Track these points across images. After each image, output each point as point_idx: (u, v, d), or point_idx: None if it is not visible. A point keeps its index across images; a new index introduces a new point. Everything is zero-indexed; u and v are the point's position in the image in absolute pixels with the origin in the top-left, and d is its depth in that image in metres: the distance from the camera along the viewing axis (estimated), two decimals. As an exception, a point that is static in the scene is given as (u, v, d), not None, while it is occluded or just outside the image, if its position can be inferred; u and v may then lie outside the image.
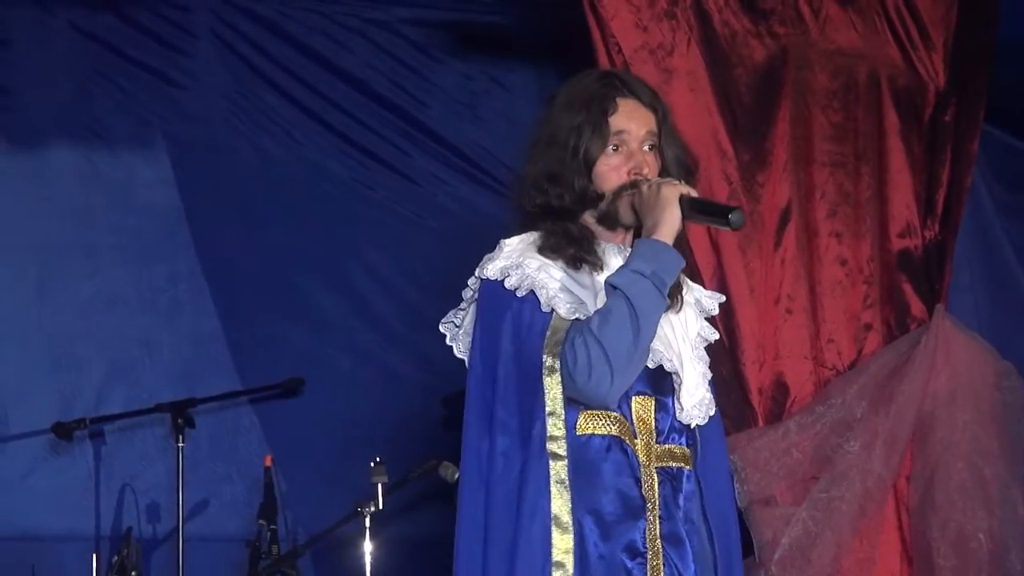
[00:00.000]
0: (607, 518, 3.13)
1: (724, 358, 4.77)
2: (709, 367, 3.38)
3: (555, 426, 3.10)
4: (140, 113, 5.84)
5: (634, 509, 3.15)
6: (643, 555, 3.14)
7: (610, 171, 3.23)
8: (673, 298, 3.29)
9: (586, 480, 3.13)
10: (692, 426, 3.28)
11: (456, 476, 5.20)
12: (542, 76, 6.15)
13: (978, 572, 4.92)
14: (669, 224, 3.14)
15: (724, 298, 3.48)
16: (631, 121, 3.25)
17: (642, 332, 3.08)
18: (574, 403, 3.13)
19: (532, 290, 3.15)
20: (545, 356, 3.11)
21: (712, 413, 3.32)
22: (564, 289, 3.17)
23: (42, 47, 5.76)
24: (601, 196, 3.23)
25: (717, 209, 3.22)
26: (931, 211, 5.18)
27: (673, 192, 3.15)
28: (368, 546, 5.03)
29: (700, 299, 3.41)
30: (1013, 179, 6.04)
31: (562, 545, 3.07)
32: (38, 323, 5.72)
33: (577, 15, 4.92)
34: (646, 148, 3.25)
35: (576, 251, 3.22)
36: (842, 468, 4.90)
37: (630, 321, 3.06)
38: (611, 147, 3.23)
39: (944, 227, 5.17)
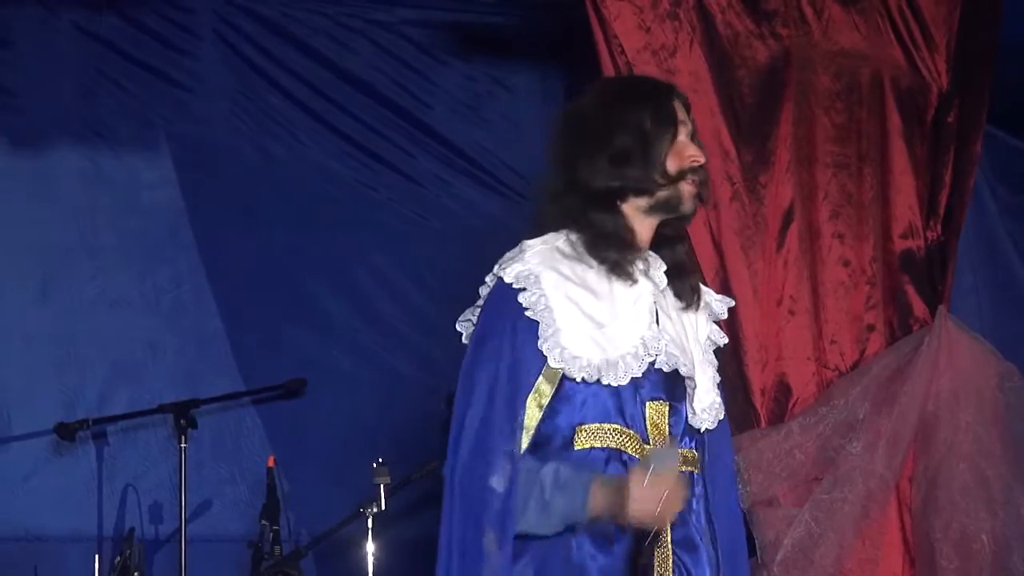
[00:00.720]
0: (606, 530, 3.11)
1: (727, 359, 4.74)
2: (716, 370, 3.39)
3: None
4: (143, 114, 5.84)
5: None
6: (649, 563, 3.13)
7: (675, 156, 3.22)
8: (689, 298, 3.31)
9: None
10: (702, 430, 3.28)
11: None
12: (545, 77, 6.16)
13: (980, 573, 4.91)
14: (613, 511, 3.10)
15: (733, 302, 3.48)
16: (686, 115, 3.29)
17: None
18: (569, 422, 3.15)
19: (537, 319, 3.15)
20: (520, 412, 3.13)
21: (721, 417, 3.31)
22: (570, 319, 3.15)
23: (45, 48, 5.76)
24: (668, 180, 3.22)
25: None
26: (934, 212, 5.18)
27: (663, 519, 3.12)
28: (371, 547, 5.03)
29: (710, 303, 3.41)
30: (1016, 181, 6.03)
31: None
32: (41, 324, 5.72)
33: (580, 16, 4.92)
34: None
35: (618, 256, 3.20)
36: (845, 469, 4.90)
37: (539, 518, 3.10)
38: (673, 136, 3.24)
39: (947, 228, 5.17)
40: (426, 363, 5.84)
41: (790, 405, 4.99)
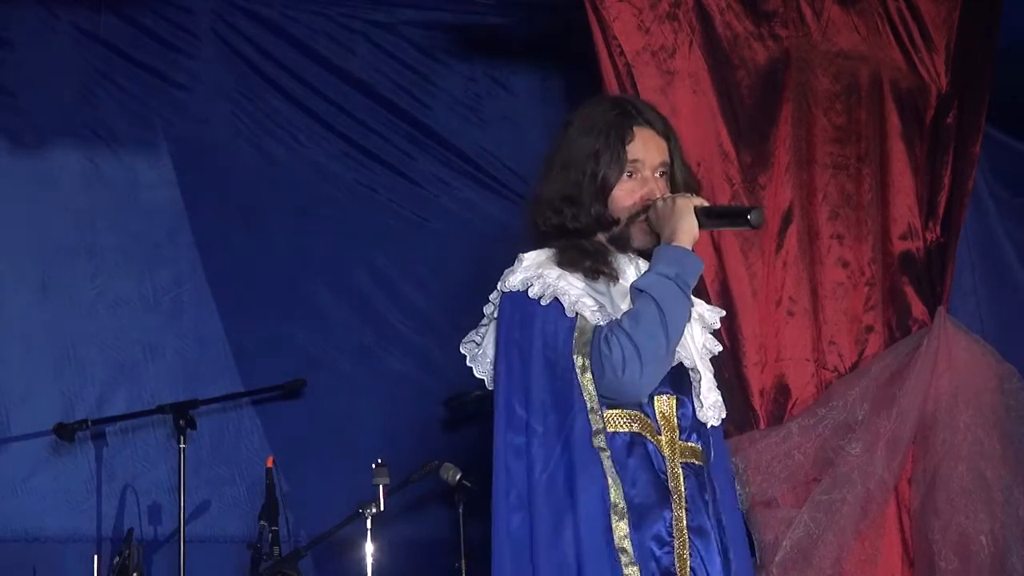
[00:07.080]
0: (637, 510, 3.24)
1: (726, 360, 4.76)
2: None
3: (596, 422, 3.23)
4: (142, 114, 5.85)
5: (659, 501, 3.27)
6: (670, 544, 3.26)
7: (624, 196, 3.40)
8: None
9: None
10: (708, 426, 3.42)
11: (457, 477, 5.22)
12: (545, 78, 6.16)
13: (979, 574, 4.91)
14: (686, 232, 3.31)
15: (724, 312, 3.64)
16: (646, 150, 3.42)
17: (671, 331, 3.24)
18: (603, 401, 3.25)
19: (556, 297, 3.29)
20: (576, 356, 3.24)
21: (724, 416, 3.47)
22: (586, 294, 3.30)
23: (45, 48, 5.76)
24: (615, 220, 3.39)
25: (735, 211, 3.39)
26: (933, 213, 5.18)
27: (687, 203, 3.33)
28: (369, 547, 5.03)
29: (703, 314, 3.55)
30: (1016, 182, 6.04)
31: (620, 531, 3.19)
32: (41, 324, 5.72)
33: (579, 17, 4.92)
34: (658, 175, 3.42)
35: (592, 263, 3.36)
36: (844, 470, 4.89)
37: (659, 321, 3.22)
38: (627, 174, 3.40)
39: (946, 229, 5.17)
40: (425, 363, 5.85)
41: (789, 406, 4.98)
